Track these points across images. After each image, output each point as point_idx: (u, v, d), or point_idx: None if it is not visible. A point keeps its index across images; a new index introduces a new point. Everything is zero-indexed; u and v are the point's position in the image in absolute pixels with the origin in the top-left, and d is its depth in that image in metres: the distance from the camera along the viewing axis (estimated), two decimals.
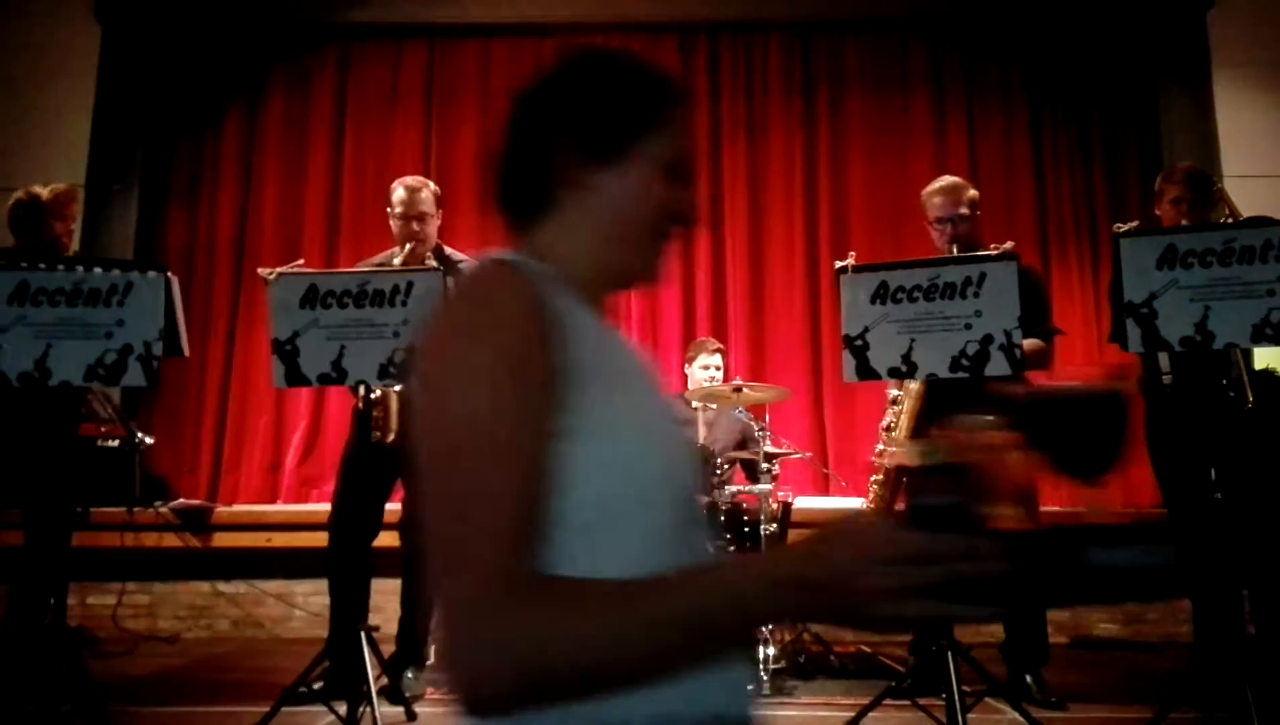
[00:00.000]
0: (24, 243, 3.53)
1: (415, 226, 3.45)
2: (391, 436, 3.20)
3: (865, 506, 3.64)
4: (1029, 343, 3.24)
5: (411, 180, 3.55)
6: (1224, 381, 3.14)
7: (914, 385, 3.33)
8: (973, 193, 3.47)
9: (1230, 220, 3.34)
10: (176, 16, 5.86)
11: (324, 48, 5.99)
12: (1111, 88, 5.76)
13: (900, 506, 3.53)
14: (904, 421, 3.38)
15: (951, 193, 3.43)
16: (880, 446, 3.50)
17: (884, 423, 3.48)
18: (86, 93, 5.74)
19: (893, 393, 3.44)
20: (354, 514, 3.38)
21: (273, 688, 3.09)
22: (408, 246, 3.39)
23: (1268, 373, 3.71)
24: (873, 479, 3.52)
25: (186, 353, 3.54)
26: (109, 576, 4.73)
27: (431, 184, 3.57)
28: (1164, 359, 3.27)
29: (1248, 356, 3.27)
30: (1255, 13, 5.65)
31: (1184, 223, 3.25)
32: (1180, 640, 4.67)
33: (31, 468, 3.39)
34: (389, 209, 3.51)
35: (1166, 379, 3.27)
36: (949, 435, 0.95)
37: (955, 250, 3.33)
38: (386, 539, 3.47)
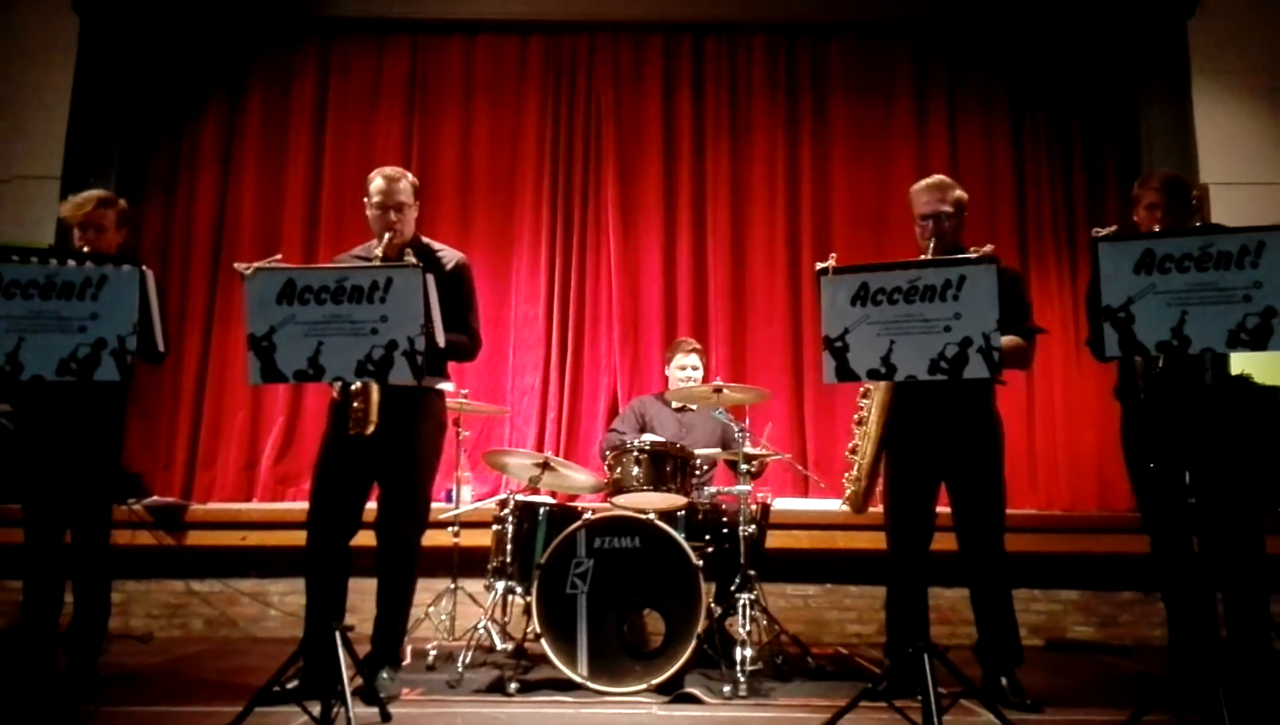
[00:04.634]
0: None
1: (392, 216, 3.42)
2: (371, 428, 3.15)
3: (841, 504, 3.64)
4: (1008, 340, 3.25)
5: (389, 170, 3.52)
6: (1199, 387, 3.18)
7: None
8: (959, 193, 3.48)
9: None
10: (156, 9, 5.81)
11: (306, 42, 5.95)
12: (1092, 94, 5.81)
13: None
14: (874, 414, 3.40)
15: (937, 190, 3.45)
16: (853, 442, 3.50)
17: (855, 417, 3.49)
18: (64, 85, 5.69)
19: (864, 387, 3.45)
20: (332, 511, 3.34)
21: (246, 688, 3.06)
22: (385, 237, 3.37)
23: (1243, 378, 3.74)
24: (846, 475, 3.52)
25: (163, 349, 3.52)
26: None
27: (410, 175, 3.54)
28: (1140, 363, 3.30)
29: (1224, 362, 3.30)
30: (1234, 21, 5.71)
31: (1157, 228, 3.27)
32: (1154, 643, 4.71)
33: (77, 463, 3.42)
34: (366, 199, 3.49)
35: (1142, 384, 3.29)
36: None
37: (934, 246, 3.34)
38: (362, 538, 3.44)
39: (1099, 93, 5.80)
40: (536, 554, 3.73)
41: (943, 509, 3.47)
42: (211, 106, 5.89)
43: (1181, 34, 5.72)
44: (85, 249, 3.47)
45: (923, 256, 3.31)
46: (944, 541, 3.46)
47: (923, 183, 3.51)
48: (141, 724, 3.04)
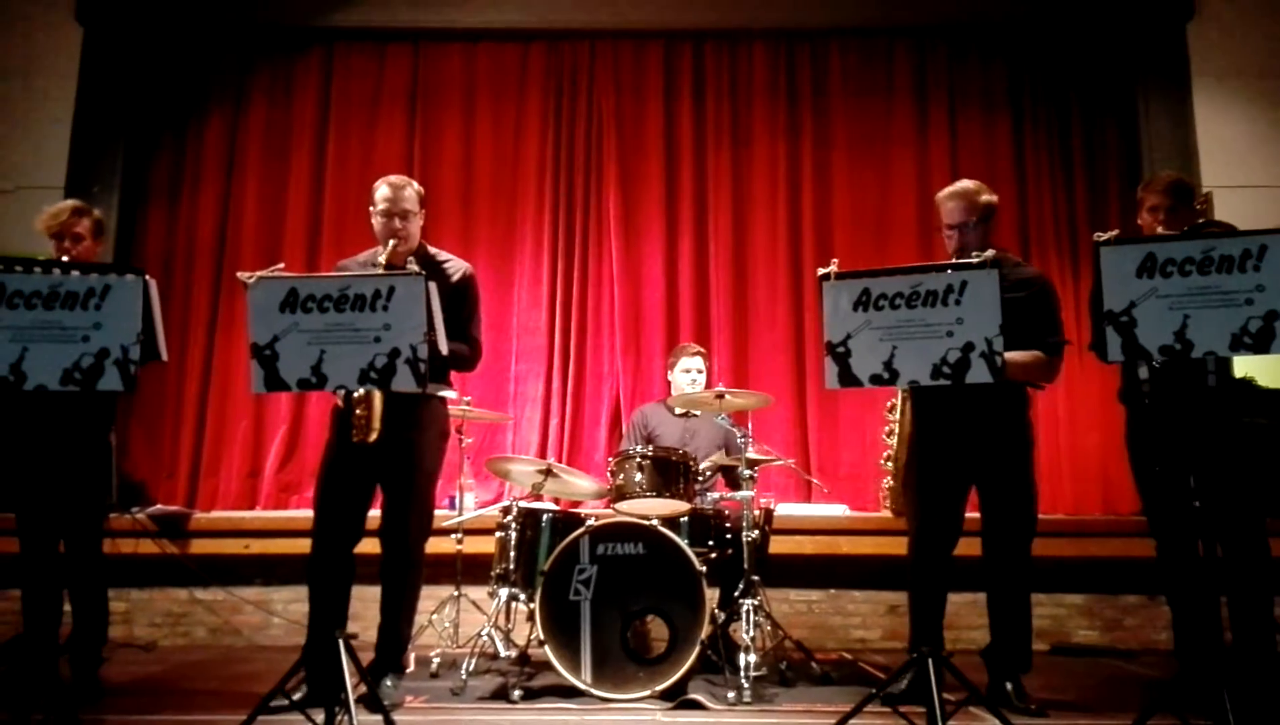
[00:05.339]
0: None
1: (397, 224, 3.43)
2: (374, 436, 3.15)
3: (884, 508, 3.64)
4: (1028, 354, 3.25)
5: (395, 178, 3.54)
6: (1203, 390, 3.18)
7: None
8: (986, 198, 3.41)
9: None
10: (159, 18, 5.84)
11: (307, 50, 5.97)
12: (1092, 97, 5.82)
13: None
14: (906, 424, 3.40)
15: (962, 199, 3.40)
16: (887, 452, 3.51)
17: (886, 428, 3.50)
18: (67, 94, 5.71)
19: (891, 401, 3.48)
20: (336, 518, 3.34)
21: (250, 696, 3.06)
22: (390, 244, 3.37)
23: (1247, 381, 3.73)
24: (885, 483, 3.52)
25: (165, 357, 3.54)
26: None
27: (415, 183, 3.56)
28: (1143, 367, 3.29)
29: (1227, 365, 3.30)
30: (1234, 24, 5.72)
31: (1160, 231, 3.27)
32: (1159, 647, 4.70)
33: (67, 473, 3.41)
34: (371, 207, 3.50)
35: (1145, 387, 3.28)
36: None
37: (958, 256, 3.34)
38: (366, 545, 3.44)
39: (1099, 96, 5.81)
40: (540, 561, 3.73)
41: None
42: (214, 115, 5.90)
43: (1181, 37, 5.73)
44: (65, 258, 3.48)
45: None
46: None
47: (949, 190, 3.47)
48: None
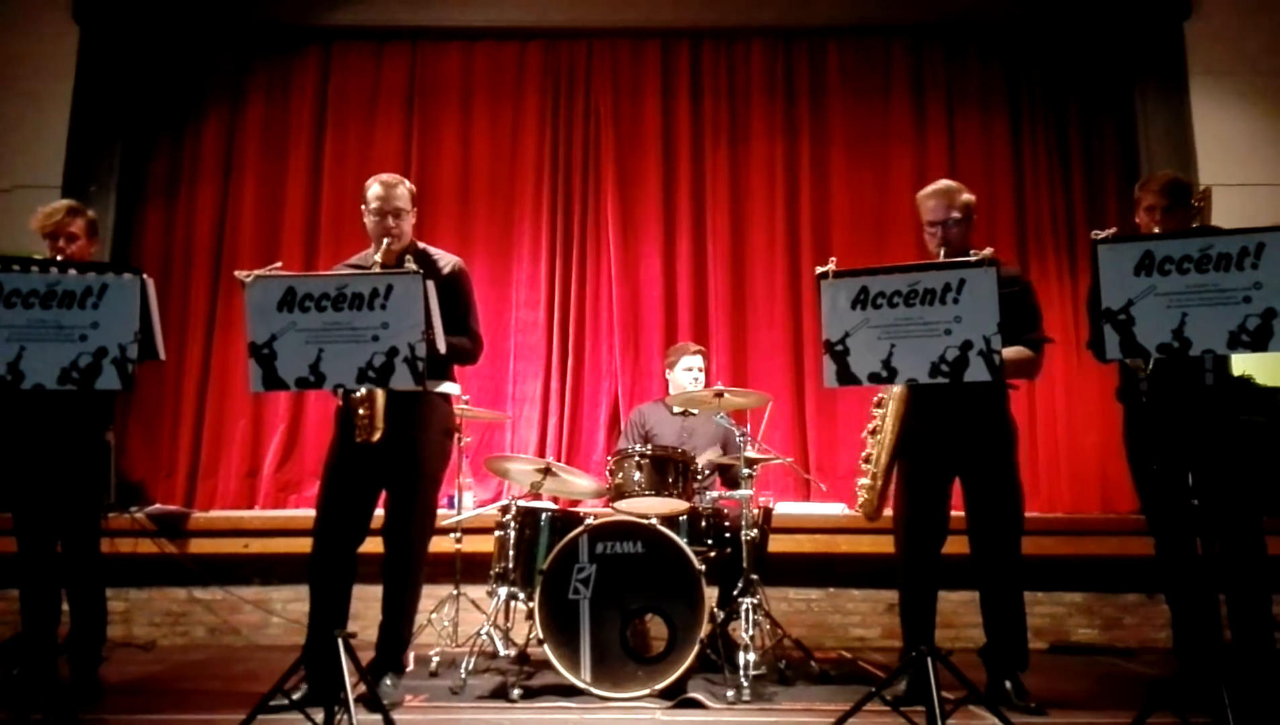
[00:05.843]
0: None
1: (390, 222, 3.43)
2: (378, 435, 3.15)
3: (852, 510, 3.62)
4: (1015, 350, 3.25)
5: (387, 176, 3.53)
6: (1200, 388, 3.18)
7: (896, 389, 3.34)
8: (966, 197, 3.44)
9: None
10: (156, 17, 5.82)
11: (305, 49, 5.96)
12: (1090, 95, 5.82)
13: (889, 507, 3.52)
14: (889, 423, 3.39)
15: (944, 196, 3.42)
16: (866, 451, 3.50)
17: (869, 426, 3.49)
18: (64, 94, 5.69)
19: (878, 396, 3.46)
20: (339, 519, 3.34)
21: (249, 695, 3.06)
22: (384, 243, 3.37)
23: (1244, 379, 3.73)
24: (860, 483, 3.51)
25: (163, 356, 3.53)
26: None
27: (407, 181, 3.55)
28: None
29: (1225, 363, 3.30)
30: (1231, 23, 5.72)
31: (1157, 230, 3.27)
32: (1158, 645, 4.70)
33: (64, 472, 3.39)
34: (364, 206, 3.50)
35: (1143, 386, 3.29)
36: None
37: (944, 254, 3.34)
38: (367, 544, 3.43)
39: (1097, 94, 5.81)
40: (539, 560, 3.73)
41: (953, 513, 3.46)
42: (212, 114, 5.89)
43: (1179, 35, 5.73)
44: (60, 258, 3.48)
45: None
46: (949, 544, 3.45)
47: (929, 189, 3.49)
48: None
